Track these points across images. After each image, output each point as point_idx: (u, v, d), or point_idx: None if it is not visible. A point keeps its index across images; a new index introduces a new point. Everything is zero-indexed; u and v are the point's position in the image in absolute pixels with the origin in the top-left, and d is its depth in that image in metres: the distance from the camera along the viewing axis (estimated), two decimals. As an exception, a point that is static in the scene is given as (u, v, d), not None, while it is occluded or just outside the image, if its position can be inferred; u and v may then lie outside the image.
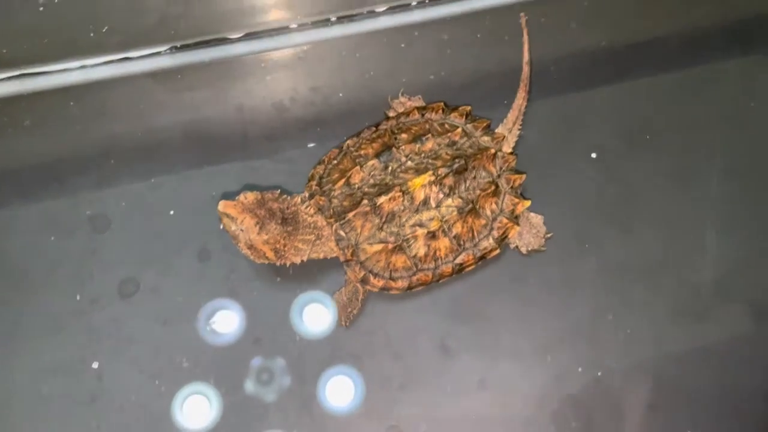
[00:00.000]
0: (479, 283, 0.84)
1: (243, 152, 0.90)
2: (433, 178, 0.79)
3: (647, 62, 0.96)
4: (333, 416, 0.79)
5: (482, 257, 0.82)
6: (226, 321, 0.82)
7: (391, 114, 0.90)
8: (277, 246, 0.78)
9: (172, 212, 0.86)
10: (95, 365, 0.79)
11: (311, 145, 0.89)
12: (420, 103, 0.91)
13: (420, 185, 0.79)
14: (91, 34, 0.91)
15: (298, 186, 0.84)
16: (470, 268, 0.82)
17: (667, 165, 0.90)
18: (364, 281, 0.80)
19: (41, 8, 0.88)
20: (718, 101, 0.95)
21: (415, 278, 0.80)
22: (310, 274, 0.83)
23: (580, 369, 0.81)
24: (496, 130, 0.87)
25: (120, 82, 0.93)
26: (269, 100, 0.93)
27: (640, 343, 0.82)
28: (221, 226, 0.79)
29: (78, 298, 0.82)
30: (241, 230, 0.77)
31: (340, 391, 0.80)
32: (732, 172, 0.90)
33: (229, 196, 0.81)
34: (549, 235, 0.85)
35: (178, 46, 0.95)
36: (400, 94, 0.92)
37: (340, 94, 0.93)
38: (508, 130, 0.88)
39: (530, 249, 0.84)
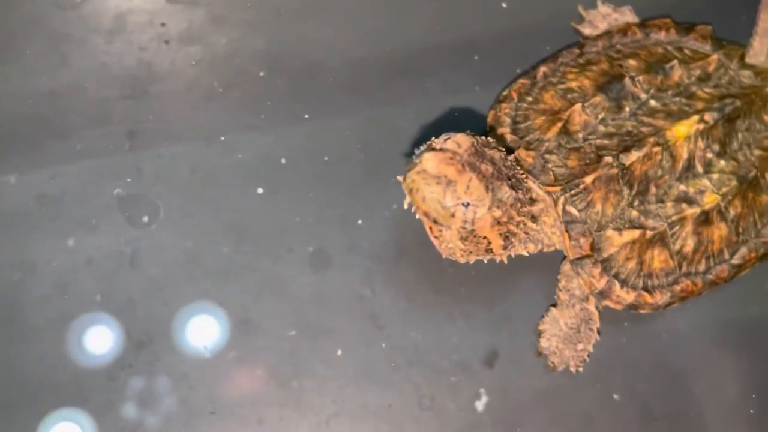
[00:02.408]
0: (750, 286, 0.55)
1: (366, 94, 0.56)
2: (701, 126, 0.50)
3: None
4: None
5: (765, 254, 0.53)
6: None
7: (587, 31, 0.61)
8: (510, 227, 0.47)
9: (260, 190, 0.53)
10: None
11: (468, 80, 0.57)
12: (631, 16, 0.61)
13: (684, 136, 0.50)
14: None
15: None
16: (746, 271, 0.53)
17: None
18: (605, 293, 0.50)
19: None
20: None
21: (678, 288, 0.51)
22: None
23: None
24: (748, 62, 0.59)
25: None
26: (396, 14, 0.59)
27: None
28: (407, 203, 0.45)
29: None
30: (465, 205, 0.43)
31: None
32: None
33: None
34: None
35: None
36: (599, 2, 0.62)
37: (503, 4, 0.61)
38: (761, 62, 0.60)
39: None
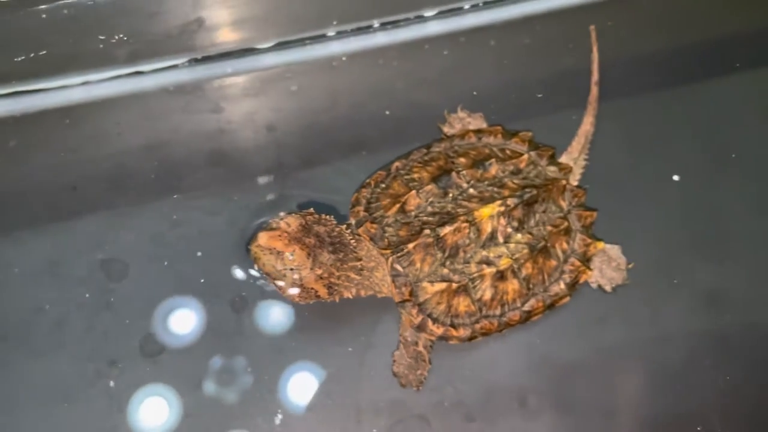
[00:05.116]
0: (559, 327, 0.74)
1: (277, 181, 0.78)
2: (502, 208, 0.69)
3: (728, 67, 0.86)
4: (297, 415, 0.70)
5: (552, 305, 0.72)
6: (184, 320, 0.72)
7: (446, 129, 0.80)
8: (331, 280, 0.67)
9: (199, 254, 0.75)
10: (119, 440, 0.68)
11: (355, 171, 0.77)
12: (481, 122, 0.81)
13: (488, 216, 0.68)
14: (99, 45, 0.78)
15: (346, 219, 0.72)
16: (538, 316, 0.72)
17: (759, 186, 0.80)
18: (421, 327, 0.69)
19: (43, 15, 0.75)
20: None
21: (478, 326, 0.70)
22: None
23: (677, 424, 0.72)
24: (560, 160, 0.78)
25: (129, 99, 0.81)
26: (305, 119, 0.81)
27: (742, 391, 0.73)
28: (256, 267, 0.66)
29: (93, 360, 0.70)
30: (291, 269, 0.64)
31: (302, 388, 0.71)
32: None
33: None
34: (631, 266, 0.75)
35: (199, 57, 0.82)
36: (458, 109, 0.81)
37: (387, 112, 0.82)
38: (573, 160, 0.78)
39: (615, 285, 0.75)
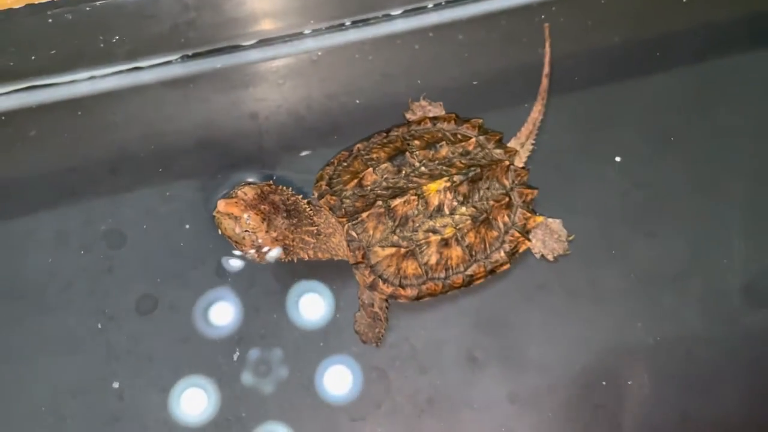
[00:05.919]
0: (505, 291, 0.82)
1: (260, 163, 0.88)
2: (448, 184, 0.77)
3: (671, 61, 0.94)
4: (331, 405, 0.79)
5: (492, 270, 0.80)
6: (222, 313, 0.81)
7: (409, 116, 0.89)
8: (286, 242, 0.76)
9: (187, 226, 0.85)
10: (116, 385, 0.78)
11: (329, 153, 0.87)
12: (440, 110, 0.89)
13: (435, 190, 0.77)
14: (101, 45, 0.89)
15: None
16: (480, 281, 0.80)
17: (693, 168, 0.88)
18: (372, 286, 0.77)
19: (49, 20, 0.86)
20: (745, 101, 0.92)
21: (424, 287, 0.78)
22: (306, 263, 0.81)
23: (609, 379, 0.80)
24: (508, 144, 0.86)
25: (130, 92, 0.91)
26: (284, 108, 0.91)
27: (670, 351, 0.80)
28: (219, 231, 0.75)
29: (95, 316, 0.81)
30: (247, 232, 0.73)
31: (338, 380, 0.79)
32: (759, 176, 0.88)
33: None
34: (571, 238, 0.83)
35: (190, 54, 0.93)
36: (421, 98, 0.90)
37: (357, 101, 0.91)
38: (521, 144, 0.87)
39: (556, 255, 0.83)
